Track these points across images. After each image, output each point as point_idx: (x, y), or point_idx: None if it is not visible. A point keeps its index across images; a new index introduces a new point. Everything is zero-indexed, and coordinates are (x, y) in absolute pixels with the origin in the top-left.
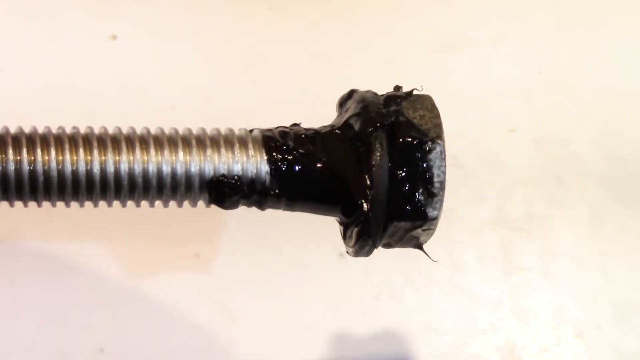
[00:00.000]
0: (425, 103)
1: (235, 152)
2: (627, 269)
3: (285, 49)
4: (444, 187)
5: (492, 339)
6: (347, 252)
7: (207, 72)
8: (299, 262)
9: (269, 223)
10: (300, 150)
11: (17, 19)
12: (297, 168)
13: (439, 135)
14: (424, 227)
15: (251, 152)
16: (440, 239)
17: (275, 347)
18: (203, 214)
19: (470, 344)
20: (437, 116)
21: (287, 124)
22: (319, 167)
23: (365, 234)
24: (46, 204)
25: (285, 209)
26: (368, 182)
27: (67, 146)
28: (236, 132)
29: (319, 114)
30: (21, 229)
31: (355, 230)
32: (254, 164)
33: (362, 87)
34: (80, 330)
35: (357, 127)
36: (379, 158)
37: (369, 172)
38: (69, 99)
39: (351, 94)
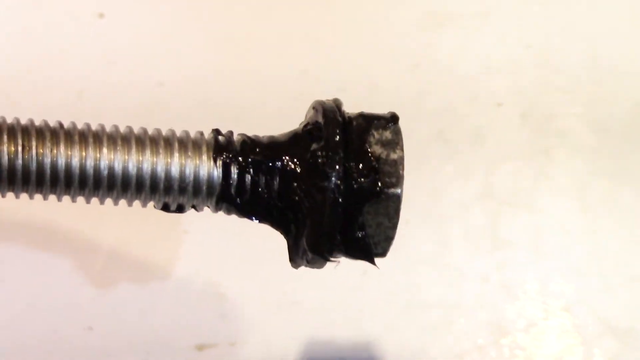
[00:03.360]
0: (390, 210)
1: (189, 158)
2: (615, 243)
3: (273, 28)
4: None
5: (480, 314)
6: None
7: (194, 49)
8: None
9: None
10: (257, 166)
11: None
12: (248, 182)
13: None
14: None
15: (205, 158)
16: (427, 214)
17: (263, 322)
18: None
19: (457, 318)
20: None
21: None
22: (273, 190)
23: (308, 263)
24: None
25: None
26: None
27: (33, 138)
28: (192, 136)
29: (305, 92)
30: (5, 207)
31: (299, 254)
32: (205, 171)
33: (350, 64)
34: (68, 308)
35: (319, 161)
36: (332, 198)
37: (321, 208)
38: (56, 77)
39: (323, 112)
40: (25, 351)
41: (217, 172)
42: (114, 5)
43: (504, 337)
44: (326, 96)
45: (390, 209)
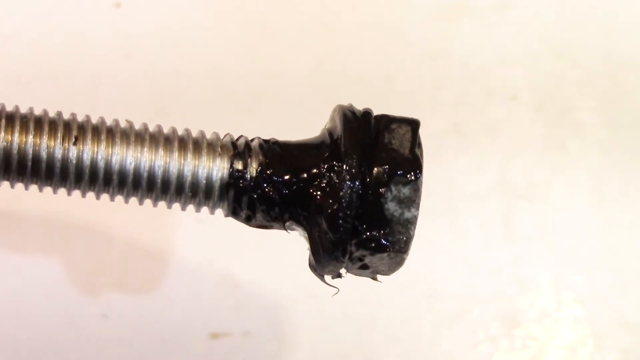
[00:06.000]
0: (392, 263)
1: (203, 158)
2: (629, 236)
3: (289, 18)
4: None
5: (493, 305)
6: None
7: (211, 39)
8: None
9: None
10: (268, 207)
11: None
12: (259, 216)
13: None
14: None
15: (217, 190)
16: (442, 206)
17: (278, 313)
18: None
19: (471, 310)
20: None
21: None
22: (283, 219)
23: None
24: None
25: None
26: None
27: (56, 132)
28: (207, 137)
29: (321, 83)
30: (25, 195)
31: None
32: (215, 202)
33: (367, 56)
34: (83, 296)
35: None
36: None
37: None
38: (74, 66)
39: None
40: (40, 339)
41: (227, 204)
42: None
43: (516, 327)
44: (342, 88)
45: (393, 262)
